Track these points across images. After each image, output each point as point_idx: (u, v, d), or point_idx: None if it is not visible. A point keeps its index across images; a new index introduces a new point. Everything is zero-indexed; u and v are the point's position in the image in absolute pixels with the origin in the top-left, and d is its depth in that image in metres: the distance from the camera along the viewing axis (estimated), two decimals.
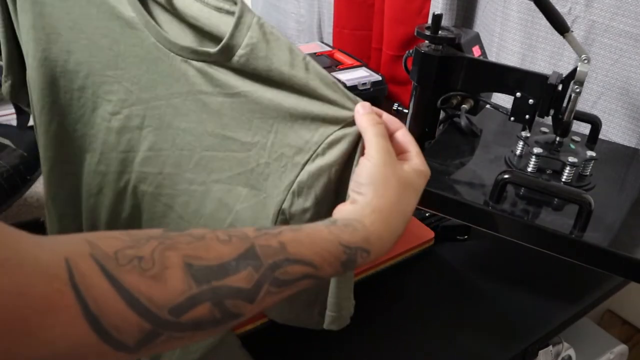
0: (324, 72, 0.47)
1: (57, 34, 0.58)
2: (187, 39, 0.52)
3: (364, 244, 0.40)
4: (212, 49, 0.48)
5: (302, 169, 0.48)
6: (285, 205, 0.49)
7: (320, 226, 0.39)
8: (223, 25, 0.47)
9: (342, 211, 0.43)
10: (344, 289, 0.51)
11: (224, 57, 0.48)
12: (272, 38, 0.46)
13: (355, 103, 0.46)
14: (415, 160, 0.46)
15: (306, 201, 0.48)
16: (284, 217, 0.49)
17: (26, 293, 0.26)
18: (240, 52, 0.46)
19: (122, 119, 0.57)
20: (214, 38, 0.49)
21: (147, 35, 0.52)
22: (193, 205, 0.56)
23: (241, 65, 0.47)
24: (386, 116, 0.48)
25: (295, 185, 0.48)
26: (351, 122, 0.46)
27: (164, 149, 0.55)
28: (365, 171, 0.44)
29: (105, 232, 0.32)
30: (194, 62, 0.50)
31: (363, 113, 0.46)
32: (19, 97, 0.70)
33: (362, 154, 0.45)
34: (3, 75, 0.69)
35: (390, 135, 0.47)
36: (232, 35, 0.46)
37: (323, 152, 0.47)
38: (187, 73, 0.51)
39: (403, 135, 0.47)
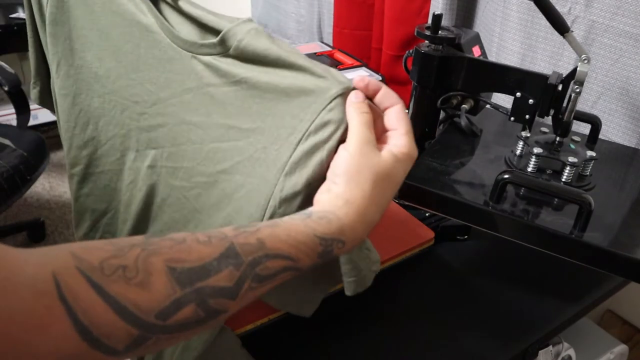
0: (302, 54, 0.50)
1: (90, 43, 0.63)
2: (194, 36, 0.56)
3: (338, 235, 0.41)
4: (214, 39, 0.52)
5: (295, 148, 0.48)
6: (277, 189, 0.49)
7: (296, 220, 0.40)
8: (223, 24, 0.52)
9: (318, 201, 0.44)
10: (357, 252, 0.51)
11: (223, 47, 0.51)
12: (260, 36, 0.51)
13: (338, 79, 0.47)
14: (400, 142, 0.46)
15: (297, 184, 0.48)
16: (274, 204, 0.49)
17: (15, 311, 0.27)
18: (237, 41, 0.50)
19: (147, 118, 0.60)
20: (216, 32, 0.53)
21: (163, 37, 0.56)
22: (204, 197, 0.58)
23: (239, 52, 0.50)
24: (384, 91, 0.47)
25: (287, 167, 0.48)
26: (341, 95, 0.46)
27: (182, 143, 0.58)
28: (340, 161, 0.44)
29: (89, 243, 0.32)
30: (202, 57, 0.54)
31: (353, 101, 0.46)
32: (45, 102, 0.76)
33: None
34: (32, 82, 0.75)
35: (384, 110, 0.47)
36: (230, 29, 0.51)
37: (316, 130, 0.47)
38: (196, 68, 0.54)
39: (397, 112, 0.47)
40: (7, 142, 1.41)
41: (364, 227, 0.43)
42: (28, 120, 1.54)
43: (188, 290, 0.33)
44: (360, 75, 0.47)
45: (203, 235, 0.36)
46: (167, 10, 0.58)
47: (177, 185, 0.60)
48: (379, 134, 0.47)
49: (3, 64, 1.50)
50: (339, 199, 0.43)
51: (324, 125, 0.46)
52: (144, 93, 0.60)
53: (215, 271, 0.34)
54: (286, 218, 0.41)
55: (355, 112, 0.45)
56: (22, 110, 1.52)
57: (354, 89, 0.47)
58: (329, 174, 0.45)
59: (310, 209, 0.43)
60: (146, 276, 0.32)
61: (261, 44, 0.49)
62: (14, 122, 1.55)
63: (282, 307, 0.61)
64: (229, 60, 0.52)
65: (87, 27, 0.63)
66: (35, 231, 1.83)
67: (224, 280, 0.35)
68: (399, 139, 0.46)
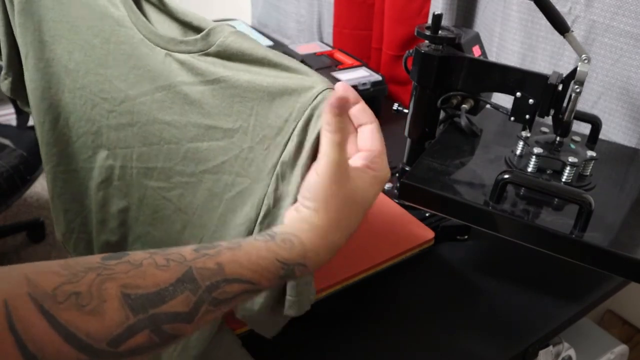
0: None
1: (59, 35, 0.60)
2: (174, 33, 0.55)
3: (300, 259, 0.41)
4: (197, 36, 0.51)
5: (284, 149, 0.47)
6: (270, 189, 0.49)
7: (259, 242, 0.40)
8: (208, 23, 0.51)
9: (286, 217, 0.44)
10: (303, 285, 0.51)
11: (206, 43, 0.50)
12: (246, 37, 0.50)
13: (322, 78, 0.47)
14: (374, 164, 0.44)
15: (290, 183, 0.47)
16: (269, 203, 0.49)
17: None
18: (224, 37, 0.49)
19: (116, 116, 0.59)
20: (199, 30, 0.52)
21: (135, 32, 0.55)
22: (188, 197, 0.57)
23: (220, 51, 0.49)
24: (359, 108, 0.45)
25: (278, 167, 0.48)
26: (323, 92, 0.46)
27: (154, 143, 0.57)
28: (311, 185, 0.43)
29: (45, 264, 0.32)
30: (177, 55, 0.52)
31: (327, 112, 0.42)
32: (18, 93, 0.73)
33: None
34: (3, 73, 0.71)
35: (358, 126, 0.46)
36: (214, 27, 0.50)
37: (301, 130, 0.46)
38: (170, 66, 0.53)
39: (372, 131, 0.45)
40: (6, 142, 1.41)
41: (328, 251, 0.43)
42: (28, 120, 1.54)
43: (142, 316, 0.33)
44: (344, 84, 0.45)
45: (162, 258, 0.36)
46: (147, 6, 0.57)
47: (152, 186, 0.59)
48: (351, 152, 0.46)
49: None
50: (304, 222, 0.42)
51: (309, 125, 0.46)
52: (112, 90, 0.58)
53: (170, 297, 0.34)
54: (250, 238, 0.40)
55: (328, 129, 0.43)
56: (22, 110, 1.52)
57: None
58: (300, 194, 0.44)
59: (274, 228, 0.42)
60: (100, 303, 0.32)
61: (247, 43, 0.49)
62: (14, 122, 1.55)
63: (250, 325, 0.60)
64: (208, 59, 0.51)
65: (57, 19, 0.60)
66: (35, 231, 1.83)
67: (179, 306, 0.34)
68: (373, 161, 0.44)
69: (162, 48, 0.53)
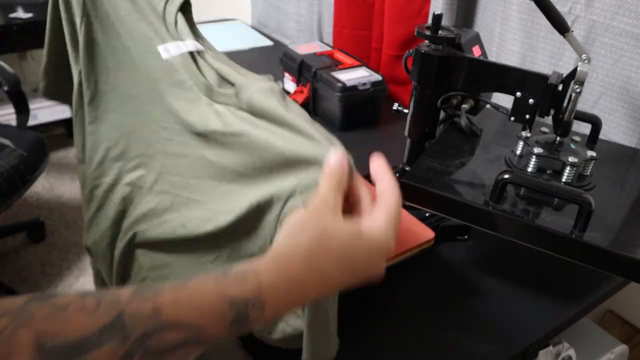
0: (308, 116, 0.53)
1: (123, 62, 0.66)
2: (215, 84, 0.60)
3: (254, 295, 0.34)
4: (231, 91, 0.57)
5: (283, 206, 0.51)
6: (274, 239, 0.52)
7: (208, 280, 0.35)
8: (237, 77, 0.58)
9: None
10: (320, 339, 0.51)
11: (238, 100, 0.55)
12: (271, 94, 0.54)
13: (332, 144, 0.49)
14: (376, 224, 0.40)
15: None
16: None
17: None
18: (249, 95, 0.54)
19: (174, 146, 0.63)
20: (231, 83, 0.58)
21: (186, 77, 0.60)
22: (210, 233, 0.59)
23: (250, 106, 0.54)
24: (386, 180, 0.44)
25: (279, 221, 0.51)
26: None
27: (201, 177, 0.60)
28: (290, 216, 0.40)
29: None
30: (216, 105, 0.58)
31: (329, 166, 0.43)
32: (56, 95, 0.79)
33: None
34: (41, 78, 0.78)
35: (378, 194, 0.43)
36: (242, 85, 0.55)
37: (300, 193, 0.50)
38: (209, 114, 0.58)
39: (389, 197, 0.42)
40: (6, 142, 1.41)
41: (291, 288, 0.36)
42: (27, 120, 1.54)
43: None
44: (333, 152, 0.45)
45: (93, 300, 0.31)
46: (197, 56, 0.62)
47: (191, 216, 0.61)
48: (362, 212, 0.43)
49: (3, 64, 1.49)
50: (266, 255, 0.37)
51: (309, 190, 0.49)
52: (172, 121, 0.62)
53: (94, 346, 0.29)
54: (201, 277, 0.35)
55: (326, 175, 0.42)
56: (22, 110, 1.52)
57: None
58: None
59: (236, 265, 0.37)
60: (7, 355, 0.27)
61: (269, 102, 0.52)
62: (14, 122, 1.55)
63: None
64: (239, 113, 0.55)
65: (123, 50, 0.65)
66: (34, 231, 1.83)
67: (104, 357, 0.30)
68: (374, 221, 0.41)
69: (205, 96, 0.59)
